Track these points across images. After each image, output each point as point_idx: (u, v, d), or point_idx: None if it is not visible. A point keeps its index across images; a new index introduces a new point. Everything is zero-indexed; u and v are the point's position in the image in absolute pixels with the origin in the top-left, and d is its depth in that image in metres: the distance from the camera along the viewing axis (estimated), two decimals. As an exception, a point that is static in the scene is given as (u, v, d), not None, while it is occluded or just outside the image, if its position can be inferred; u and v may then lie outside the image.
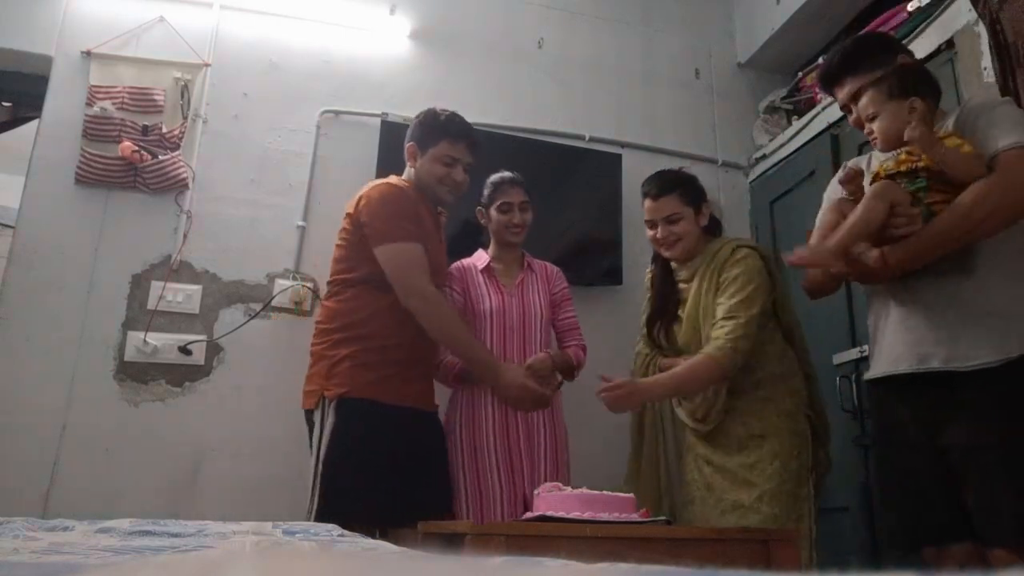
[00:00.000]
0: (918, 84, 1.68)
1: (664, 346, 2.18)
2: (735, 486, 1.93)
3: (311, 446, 2.11)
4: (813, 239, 1.81)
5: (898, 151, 1.67)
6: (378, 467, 2.05)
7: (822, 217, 1.86)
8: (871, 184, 1.72)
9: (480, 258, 2.52)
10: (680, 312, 2.13)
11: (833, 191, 1.95)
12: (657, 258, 2.24)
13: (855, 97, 1.80)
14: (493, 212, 2.47)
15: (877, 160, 1.82)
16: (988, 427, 1.55)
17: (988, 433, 1.55)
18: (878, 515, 1.84)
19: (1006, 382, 1.55)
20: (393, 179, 2.29)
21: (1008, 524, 1.51)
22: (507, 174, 2.51)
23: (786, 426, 1.97)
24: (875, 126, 1.69)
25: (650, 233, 2.16)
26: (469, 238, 2.64)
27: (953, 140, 1.62)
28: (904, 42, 2.54)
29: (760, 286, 1.94)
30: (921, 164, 1.62)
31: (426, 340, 2.22)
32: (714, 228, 2.19)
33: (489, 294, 2.45)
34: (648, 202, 2.14)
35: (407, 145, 2.31)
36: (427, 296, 2.12)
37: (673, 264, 2.19)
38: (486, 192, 2.51)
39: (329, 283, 2.27)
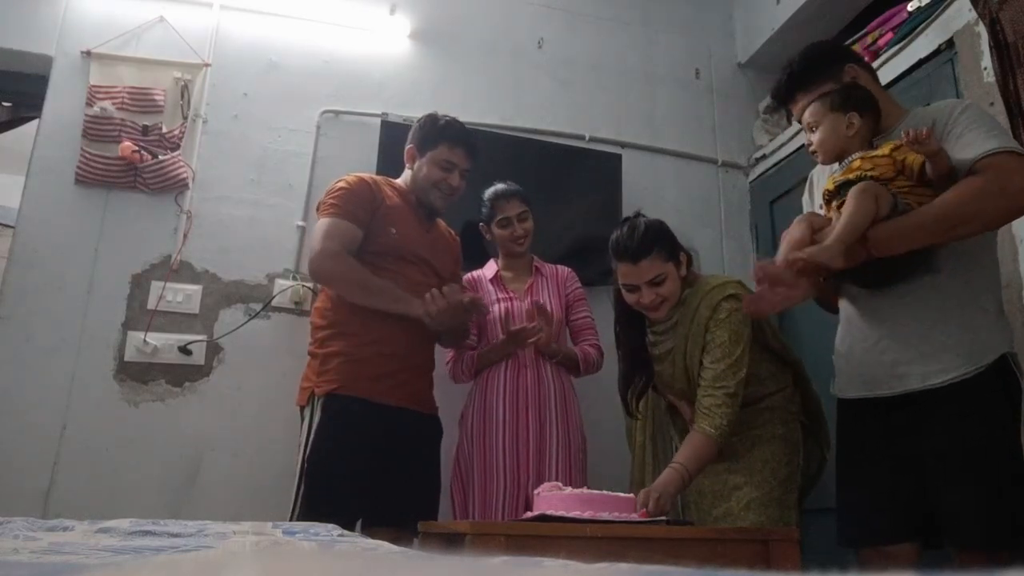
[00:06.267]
0: (860, 101, 1.70)
1: (639, 416, 2.13)
2: (725, 491, 1.92)
3: (299, 443, 2.12)
4: (780, 253, 1.75)
5: (848, 159, 1.68)
6: (360, 467, 2.04)
7: (791, 230, 1.76)
8: (822, 196, 1.73)
9: (490, 267, 2.58)
10: (657, 367, 2.04)
11: (807, 202, 1.97)
12: (621, 317, 2.06)
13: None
14: (495, 228, 2.53)
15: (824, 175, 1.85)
16: (964, 435, 1.57)
17: (964, 440, 1.57)
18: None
19: (979, 389, 1.58)
20: (366, 174, 2.34)
21: (984, 527, 1.54)
22: (500, 187, 2.54)
23: (780, 434, 1.96)
24: (814, 137, 1.70)
25: (631, 298, 1.94)
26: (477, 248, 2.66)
27: (907, 153, 1.59)
28: (904, 42, 2.56)
29: (745, 344, 1.88)
30: (874, 174, 1.62)
31: (423, 337, 2.23)
32: (688, 263, 2.02)
33: (498, 300, 2.49)
34: (625, 267, 1.91)
35: (407, 147, 2.35)
36: (330, 254, 2.10)
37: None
38: (484, 209, 2.54)
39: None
